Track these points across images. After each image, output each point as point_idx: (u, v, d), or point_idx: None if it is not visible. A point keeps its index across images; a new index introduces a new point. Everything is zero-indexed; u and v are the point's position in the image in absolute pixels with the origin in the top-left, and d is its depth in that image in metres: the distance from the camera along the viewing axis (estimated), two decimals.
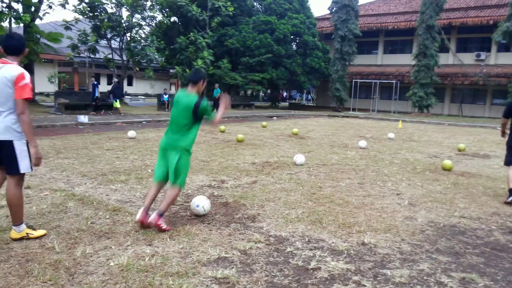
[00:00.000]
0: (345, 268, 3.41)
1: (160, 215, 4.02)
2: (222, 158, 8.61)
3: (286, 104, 45.04)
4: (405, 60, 33.85)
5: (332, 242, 3.98)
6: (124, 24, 26.60)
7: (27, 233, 3.70)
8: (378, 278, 3.25)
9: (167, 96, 25.25)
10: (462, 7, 32.65)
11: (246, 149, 10.05)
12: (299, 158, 8.23)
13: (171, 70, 38.11)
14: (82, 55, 27.98)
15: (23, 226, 3.71)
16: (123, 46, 27.56)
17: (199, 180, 6.45)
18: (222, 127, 14.14)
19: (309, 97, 55.60)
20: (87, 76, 36.01)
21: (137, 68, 31.64)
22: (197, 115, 4.09)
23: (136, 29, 28.52)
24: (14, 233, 3.67)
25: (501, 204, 5.69)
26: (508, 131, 6.22)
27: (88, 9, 25.32)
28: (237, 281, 3.09)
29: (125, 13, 27.48)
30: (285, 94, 61.13)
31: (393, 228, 4.46)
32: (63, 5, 24.15)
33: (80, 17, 25.89)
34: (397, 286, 3.14)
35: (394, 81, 32.08)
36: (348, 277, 3.25)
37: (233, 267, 3.33)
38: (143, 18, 28.84)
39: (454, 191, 6.39)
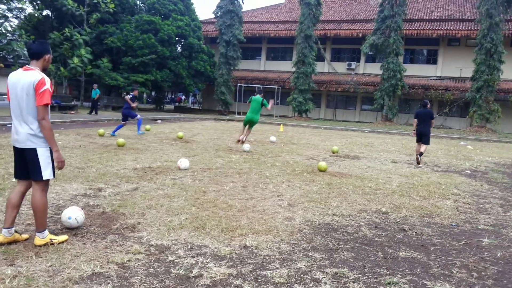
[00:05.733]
0: (227, 272, 3.41)
1: None
2: (100, 164, 8.07)
3: (171, 106, 44.31)
4: (286, 67, 35.75)
5: (215, 247, 3.96)
6: None
7: (50, 239, 3.73)
8: (259, 280, 3.32)
9: None
10: (336, 19, 35.61)
11: (127, 154, 9.58)
12: (184, 163, 8.10)
13: None
14: None
15: (47, 232, 3.74)
16: None
17: (72, 189, 5.93)
18: (101, 131, 13.31)
19: (193, 99, 55.69)
20: None
21: (2, 65, 28.40)
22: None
23: (1, 21, 25.55)
24: (38, 240, 3.69)
25: (368, 201, 6.27)
26: (415, 129, 11.03)
27: None
28: None
29: None
30: (183, 97, 60.17)
31: (274, 229, 4.61)
32: None
33: None
34: (277, 286, 3.23)
35: (276, 87, 33.65)
36: (230, 282, 3.25)
37: (109, 283, 3.10)
38: (10, 10, 25.96)
39: (328, 191, 6.87)
